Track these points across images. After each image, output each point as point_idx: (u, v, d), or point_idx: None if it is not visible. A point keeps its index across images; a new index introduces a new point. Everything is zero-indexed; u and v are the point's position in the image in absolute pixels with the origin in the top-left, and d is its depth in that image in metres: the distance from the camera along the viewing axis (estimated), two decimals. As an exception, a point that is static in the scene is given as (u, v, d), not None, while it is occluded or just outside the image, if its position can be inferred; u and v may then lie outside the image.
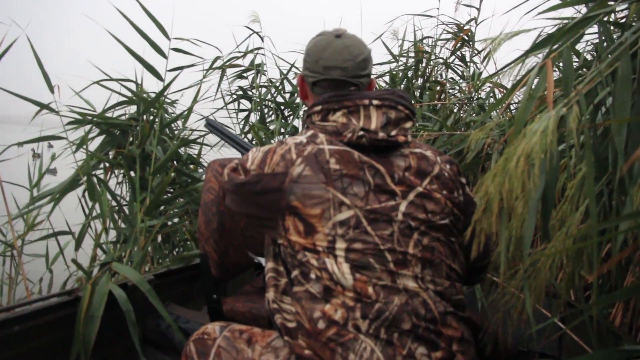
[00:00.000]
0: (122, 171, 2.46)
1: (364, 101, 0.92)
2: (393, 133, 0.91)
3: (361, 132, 0.89)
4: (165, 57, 2.36)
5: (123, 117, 2.49)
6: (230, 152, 3.02)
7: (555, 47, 0.90)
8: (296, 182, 0.87)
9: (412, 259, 0.86)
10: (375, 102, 0.91)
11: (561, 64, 1.25)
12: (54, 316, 1.24)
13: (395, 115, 0.92)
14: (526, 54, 1.22)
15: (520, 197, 0.66)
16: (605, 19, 1.08)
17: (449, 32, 3.32)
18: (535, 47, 1.13)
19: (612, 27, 1.17)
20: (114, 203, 2.35)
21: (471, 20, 3.25)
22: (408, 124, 0.94)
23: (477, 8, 3.23)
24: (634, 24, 0.90)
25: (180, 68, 2.51)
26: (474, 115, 2.70)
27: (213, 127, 1.53)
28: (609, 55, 0.85)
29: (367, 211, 0.86)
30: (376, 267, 0.84)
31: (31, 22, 2.18)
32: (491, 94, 2.87)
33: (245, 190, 0.92)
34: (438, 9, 3.30)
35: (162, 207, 2.49)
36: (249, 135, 3.09)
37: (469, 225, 0.80)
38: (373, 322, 0.81)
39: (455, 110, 2.93)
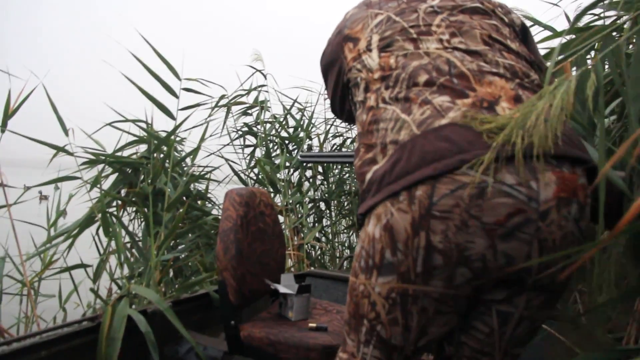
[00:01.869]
0: (134, 208, 2.53)
1: None
2: None
3: None
4: (177, 97, 2.47)
5: (134, 156, 2.59)
6: (237, 186, 3.10)
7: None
8: (347, 19, 1.01)
9: (437, 29, 0.90)
10: None
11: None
12: (79, 341, 1.30)
13: None
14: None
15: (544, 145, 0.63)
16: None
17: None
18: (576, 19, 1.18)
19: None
20: (127, 239, 2.42)
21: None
22: None
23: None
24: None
25: (191, 107, 2.62)
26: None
27: (308, 158, 1.61)
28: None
29: (398, 10, 0.96)
30: (399, 39, 0.89)
31: (49, 71, 2.30)
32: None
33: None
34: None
35: (173, 242, 2.55)
36: (255, 170, 3.17)
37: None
38: (393, 88, 0.84)
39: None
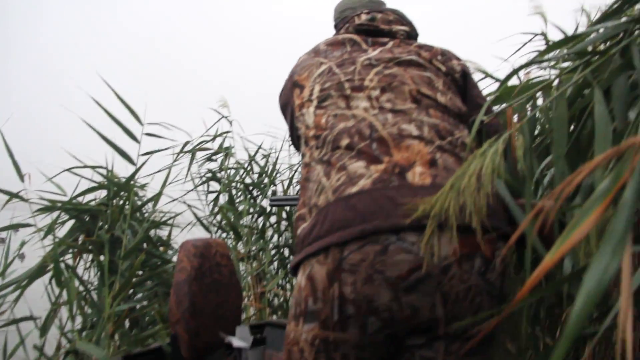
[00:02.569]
0: (90, 256, 2.45)
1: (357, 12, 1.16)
2: (377, 24, 1.11)
3: (347, 24, 1.13)
4: (138, 142, 2.45)
5: (93, 202, 2.53)
6: (200, 235, 3.06)
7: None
8: (297, 65, 1.09)
9: (370, 83, 0.95)
10: (364, 10, 1.15)
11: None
12: None
13: (381, 16, 1.13)
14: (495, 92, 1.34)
15: (473, 212, 0.69)
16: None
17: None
18: (503, 83, 1.25)
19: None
20: (81, 288, 2.33)
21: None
22: (399, 26, 1.13)
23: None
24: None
25: (152, 152, 2.60)
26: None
27: (277, 202, 1.63)
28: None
29: (339, 60, 1.02)
30: (334, 95, 0.95)
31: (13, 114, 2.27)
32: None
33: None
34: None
35: (131, 291, 2.47)
36: (218, 217, 3.14)
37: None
38: (321, 149, 0.90)
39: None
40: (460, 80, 1.05)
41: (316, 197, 0.84)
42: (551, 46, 0.81)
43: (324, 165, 0.87)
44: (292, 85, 1.05)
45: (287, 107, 1.08)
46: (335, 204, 0.79)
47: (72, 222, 2.48)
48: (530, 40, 2.16)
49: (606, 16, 0.75)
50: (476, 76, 2.21)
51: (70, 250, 2.44)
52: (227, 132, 3.35)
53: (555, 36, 2.23)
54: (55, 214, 2.40)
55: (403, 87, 0.94)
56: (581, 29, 2.10)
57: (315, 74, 1.01)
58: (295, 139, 1.10)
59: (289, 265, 0.93)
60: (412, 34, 1.14)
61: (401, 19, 1.15)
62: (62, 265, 2.25)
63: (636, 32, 0.65)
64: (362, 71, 0.98)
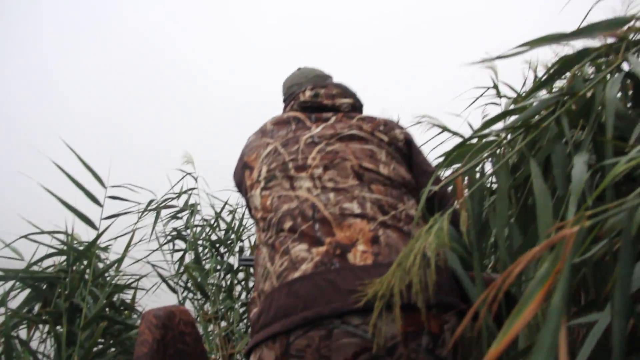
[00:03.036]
0: (47, 327, 2.33)
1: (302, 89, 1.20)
2: (320, 100, 1.14)
3: (293, 102, 1.17)
4: (100, 205, 2.40)
5: (51, 269, 2.43)
6: (166, 296, 2.96)
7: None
8: (246, 146, 1.12)
9: (313, 162, 0.96)
10: (309, 86, 1.19)
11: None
12: None
13: (324, 91, 1.16)
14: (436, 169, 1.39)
15: (418, 291, 0.70)
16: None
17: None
18: (442, 165, 1.29)
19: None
20: (36, 363, 2.19)
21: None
22: (343, 99, 1.16)
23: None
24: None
25: (115, 216, 2.55)
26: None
27: (247, 262, 1.61)
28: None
29: (284, 140, 1.04)
30: (279, 176, 0.97)
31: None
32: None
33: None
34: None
35: (90, 362, 2.33)
36: (184, 276, 3.06)
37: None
38: (267, 232, 0.91)
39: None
40: (404, 148, 1.08)
41: (263, 283, 0.86)
42: (488, 121, 0.85)
43: (269, 249, 0.88)
44: (243, 166, 1.08)
45: (241, 186, 1.10)
46: (280, 290, 0.80)
47: (27, 291, 2.37)
48: (481, 95, 2.27)
49: (539, 85, 0.81)
50: (434, 131, 2.30)
51: (24, 322, 2.31)
52: (192, 189, 3.33)
53: (506, 89, 2.35)
54: (9, 283, 2.29)
55: (345, 163, 0.97)
56: (529, 83, 2.23)
57: (262, 155, 1.04)
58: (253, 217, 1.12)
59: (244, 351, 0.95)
60: (356, 106, 1.18)
61: (344, 92, 1.19)
62: (16, 339, 2.12)
63: (566, 105, 0.70)
64: (305, 150, 1.00)
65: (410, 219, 0.89)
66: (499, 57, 0.77)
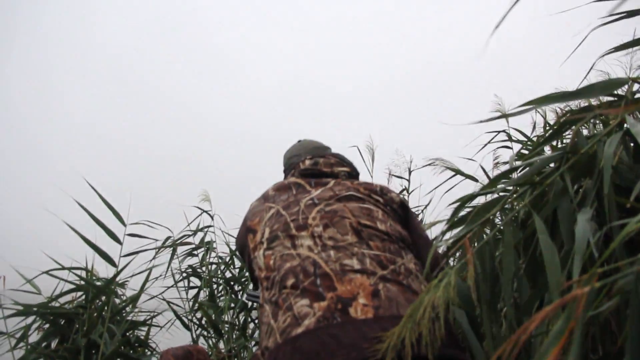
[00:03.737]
0: (64, 363, 2.35)
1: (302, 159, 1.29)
2: (319, 167, 1.22)
3: (293, 170, 1.25)
4: (120, 243, 2.45)
5: (68, 305, 2.47)
6: (180, 333, 2.97)
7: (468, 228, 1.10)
8: (249, 211, 1.17)
9: (313, 221, 1.01)
10: (308, 156, 1.28)
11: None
12: None
13: (323, 160, 1.24)
14: (443, 233, 1.43)
15: (428, 343, 0.73)
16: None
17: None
18: (449, 229, 1.34)
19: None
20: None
21: (403, 190, 3.66)
22: (340, 168, 1.24)
23: (407, 179, 3.68)
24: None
25: (134, 253, 2.60)
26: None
27: (254, 298, 1.66)
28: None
29: (286, 203, 1.09)
30: (281, 236, 1.01)
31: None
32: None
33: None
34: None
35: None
36: (198, 314, 3.08)
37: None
38: (270, 290, 0.94)
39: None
40: (400, 211, 1.13)
41: (267, 339, 0.88)
42: (495, 178, 0.90)
43: (272, 306, 0.91)
44: (246, 230, 1.14)
45: (244, 250, 1.15)
46: (284, 346, 0.82)
47: (46, 326, 2.41)
48: (491, 140, 2.32)
49: (544, 141, 0.85)
50: (447, 174, 2.35)
51: (41, 358, 2.34)
52: (208, 226, 3.38)
53: (516, 133, 2.40)
54: (30, 319, 2.33)
55: (344, 221, 1.01)
56: (539, 128, 2.28)
57: (265, 219, 1.10)
58: (254, 280, 1.15)
59: None
60: (352, 174, 1.26)
61: (342, 161, 1.27)
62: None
63: (569, 162, 0.74)
64: (306, 210, 1.06)
65: (409, 273, 0.92)
66: (507, 115, 0.83)
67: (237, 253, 1.28)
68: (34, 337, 2.36)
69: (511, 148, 2.43)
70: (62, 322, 2.40)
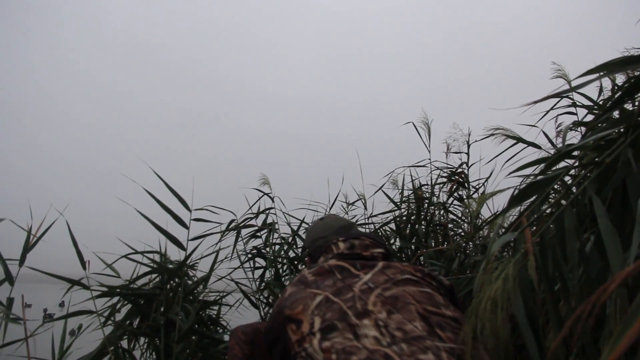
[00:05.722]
0: (146, 340, 2.54)
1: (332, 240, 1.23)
2: (357, 251, 1.16)
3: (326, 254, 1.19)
4: (187, 227, 2.59)
5: (147, 286, 2.66)
6: (248, 311, 3.11)
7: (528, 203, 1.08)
8: (286, 299, 1.08)
9: (374, 307, 0.93)
10: (340, 238, 1.22)
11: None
12: None
13: (358, 242, 1.19)
14: (505, 211, 1.41)
15: (490, 335, 0.73)
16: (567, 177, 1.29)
17: (443, 177, 3.62)
18: (510, 206, 1.32)
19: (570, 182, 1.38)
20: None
21: (462, 164, 3.58)
22: (376, 249, 1.19)
23: (466, 153, 3.59)
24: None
25: (201, 237, 2.74)
26: (478, 255, 2.83)
27: None
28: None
29: (335, 289, 1.01)
30: (339, 326, 0.92)
31: (69, 205, 2.48)
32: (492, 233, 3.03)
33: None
34: (430, 158, 3.67)
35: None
36: (265, 293, 3.20)
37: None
38: None
39: (459, 253, 3.06)
40: (448, 295, 1.07)
41: None
42: (552, 161, 0.87)
43: None
44: (284, 320, 1.04)
45: (278, 342, 1.08)
46: None
47: (128, 307, 2.61)
48: (554, 107, 2.22)
49: (609, 108, 0.82)
50: (507, 143, 2.28)
51: (126, 335, 2.54)
52: (269, 208, 3.48)
53: (580, 98, 2.27)
54: (115, 299, 2.53)
55: (409, 307, 0.93)
56: (606, 91, 2.15)
57: (311, 306, 1.00)
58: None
59: None
60: (387, 255, 1.19)
61: (376, 242, 1.20)
62: (120, 350, 2.34)
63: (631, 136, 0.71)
64: (362, 296, 0.97)
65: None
66: (573, 89, 0.80)
67: (265, 342, 1.18)
68: (118, 317, 2.57)
69: (575, 114, 2.31)
70: (142, 302, 2.58)
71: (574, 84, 0.86)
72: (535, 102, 0.87)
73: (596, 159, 0.85)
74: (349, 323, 0.92)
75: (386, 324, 0.90)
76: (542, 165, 1.09)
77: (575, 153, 1.12)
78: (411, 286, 0.99)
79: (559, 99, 2.40)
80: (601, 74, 0.81)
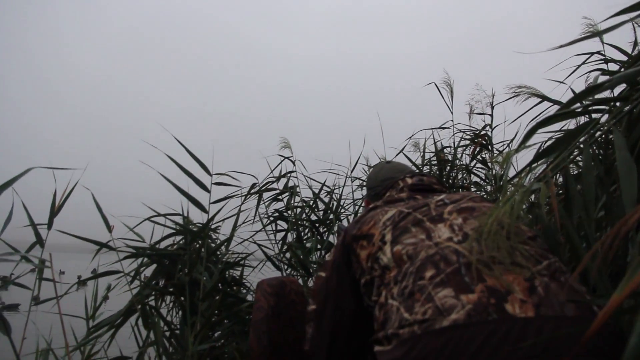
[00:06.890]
0: (172, 298, 2.62)
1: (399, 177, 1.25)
2: (426, 184, 1.20)
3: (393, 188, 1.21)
4: (208, 191, 2.62)
5: (171, 247, 2.72)
6: (271, 273, 3.17)
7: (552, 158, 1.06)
8: (352, 225, 1.08)
9: (449, 216, 0.93)
10: (408, 175, 1.24)
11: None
12: None
13: (426, 179, 1.22)
14: (530, 165, 1.38)
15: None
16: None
17: (466, 139, 3.56)
18: (535, 160, 1.30)
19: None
20: (165, 329, 2.48)
21: (486, 126, 3.51)
22: (438, 187, 1.21)
23: (490, 115, 3.51)
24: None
25: (222, 200, 2.77)
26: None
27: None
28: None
29: (408, 205, 1.03)
30: (412, 229, 0.92)
31: (88, 167, 2.49)
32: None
33: None
34: (452, 120, 3.60)
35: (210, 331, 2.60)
36: (287, 254, 3.24)
37: None
38: (401, 283, 0.84)
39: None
40: None
41: (393, 328, 0.79)
42: (576, 97, 0.83)
43: (404, 298, 0.82)
44: (352, 239, 1.02)
45: (345, 267, 1.04)
46: (426, 338, 0.74)
47: (153, 267, 2.68)
48: (585, 62, 2.13)
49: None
50: (531, 102, 2.21)
51: (153, 293, 2.63)
52: (290, 172, 3.49)
53: (613, 53, 2.17)
54: (140, 259, 2.61)
55: (485, 217, 0.86)
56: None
57: (382, 220, 1.00)
58: (349, 292, 1.03)
59: None
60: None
61: (439, 182, 1.23)
62: (148, 307, 2.42)
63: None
64: (438, 208, 0.97)
65: (563, 271, 0.81)
66: (601, 32, 0.76)
67: (333, 271, 1.09)
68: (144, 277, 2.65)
69: (607, 70, 2.21)
70: (167, 263, 2.65)
71: (603, 27, 0.81)
72: (561, 46, 0.83)
73: (625, 108, 0.82)
74: (422, 227, 0.93)
75: (461, 226, 0.89)
76: (569, 120, 1.06)
77: (603, 107, 1.08)
78: (487, 202, 1.00)
79: (589, 55, 2.30)
80: (633, 15, 0.77)
